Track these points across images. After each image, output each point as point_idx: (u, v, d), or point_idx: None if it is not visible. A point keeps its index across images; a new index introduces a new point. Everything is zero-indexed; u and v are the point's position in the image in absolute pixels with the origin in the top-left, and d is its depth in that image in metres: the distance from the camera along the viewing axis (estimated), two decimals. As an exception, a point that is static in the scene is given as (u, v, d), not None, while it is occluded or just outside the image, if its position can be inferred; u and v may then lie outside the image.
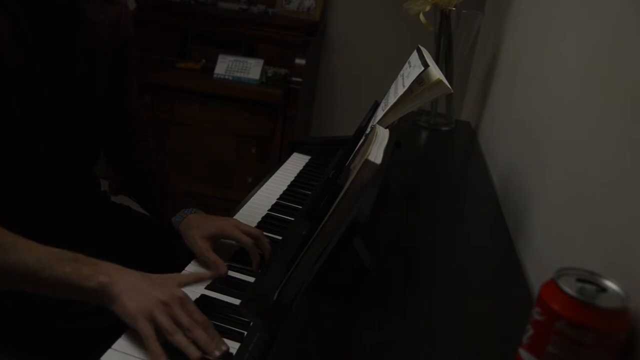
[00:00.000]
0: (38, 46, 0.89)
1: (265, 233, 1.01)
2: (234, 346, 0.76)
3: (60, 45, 0.93)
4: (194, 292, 0.87)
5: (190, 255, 0.96)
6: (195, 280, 0.85)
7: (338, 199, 0.66)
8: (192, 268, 0.93)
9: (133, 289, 0.74)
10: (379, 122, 0.88)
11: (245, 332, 0.79)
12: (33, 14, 0.87)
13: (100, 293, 0.74)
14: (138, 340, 0.72)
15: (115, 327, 0.73)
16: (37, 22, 0.88)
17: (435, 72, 0.83)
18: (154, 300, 0.73)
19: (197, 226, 0.97)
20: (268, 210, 1.14)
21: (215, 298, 0.87)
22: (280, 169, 1.35)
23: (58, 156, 0.97)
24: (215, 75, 2.28)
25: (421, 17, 1.50)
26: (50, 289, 0.77)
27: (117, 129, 1.12)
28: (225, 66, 2.28)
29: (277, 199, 1.20)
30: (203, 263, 0.94)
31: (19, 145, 0.90)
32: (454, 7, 1.50)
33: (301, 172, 1.35)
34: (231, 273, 0.93)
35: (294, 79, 2.22)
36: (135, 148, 1.15)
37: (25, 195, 0.95)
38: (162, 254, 1.09)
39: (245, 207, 1.14)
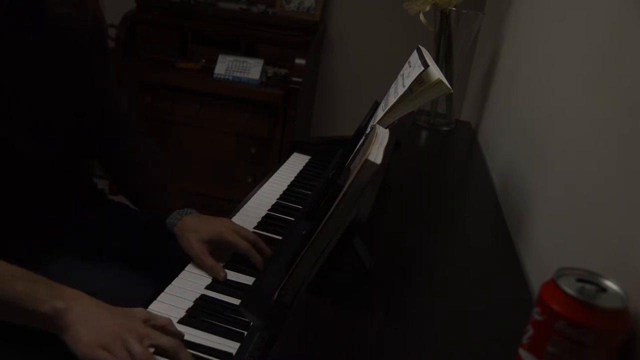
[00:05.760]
0: (12, 42, 0.88)
1: (265, 233, 1.01)
2: (234, 346, 0.76)
3: (29, 40, 0.91)
4: (194, 292, 0.88)
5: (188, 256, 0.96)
6: (162, 325, 0.75)
7: (338, 199, 0.66)
8: (190, 270, 0.93)
9: (88, 319, 0.70)
10: (379, 122, 0.88)
11: (245, 332, 0.79)
12: (5, 9, 0.86)
13: (54, 319, 0.70)
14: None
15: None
16: (11, 18, 0.87)
17: (435, 72, 0.83)
18: (108, 331, 0.69)
19: (193, 229, 0.97)
20: (268, 210, 1.14)
21: (215, 298, 0.87)
22: (280, 169, 1.35)
23: (42, 154, 0.96)
24: (215, 75, 2.28)
25: (421, 17, 1.50)
26: None
27: (96, 125, 1.10)
28: (225, 66, 2.28)
29: (277, 199, 1.20)
30: (200, 267, 0.93)
31: (1, 144, 0.89)
32: (454, 7, 1.50)
33: (301, 172, 1.35)
34: (231, 273, 0.93)
35: (294, 79, 2.22)
36: (118, 144, 1.13)
37: (13, 194, 0.94)
38: (161, 253, 1.09)
39: (245, 207, 1.14)
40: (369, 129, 0.88)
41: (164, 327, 0.75)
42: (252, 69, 2.28)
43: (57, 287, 0.74)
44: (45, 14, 0.93)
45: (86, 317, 0.71)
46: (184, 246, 0.96)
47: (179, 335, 0.77)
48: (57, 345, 0.72)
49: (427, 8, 1.51)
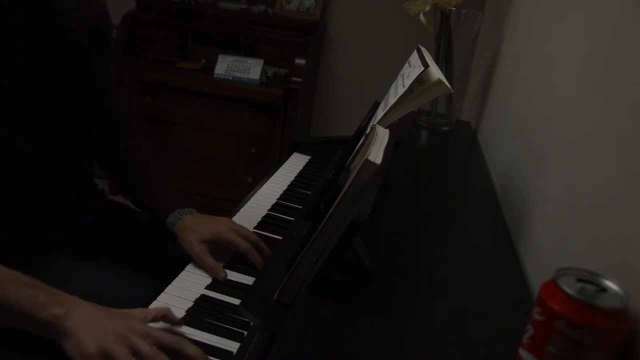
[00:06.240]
0: (12, 42, 0.88)
1: (265, 233, 1.01)
2: (234, 346, 0.76)
3: (29, 40, 0.91)
4: (194, 292, 0.88)
5: (189, 256, 0.96)
6: (163, 315, 0.76)
7: (338, 199, 0.66)
8: (190, 270, 0.93)
9: (88, 324, 0.69)
10: (379, 122, 0.88)
11: (245, 332, 0.79)
12: (5, 9, 0.86)
13: (53, 326, 0.70)
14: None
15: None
16: (11, 18, 0.87)
17: (435, 72, 0.83)
18: (110, 333, 0.68)
19: (193, 229, 0.97)
20: (268, 210, 1.14)
21: (215, 298, 0.87)
22: (280, 169, 1.35)
23: (42, 154, 0.96)
24: (215, 75, 2.28)
25: (421, 17, 1.50)
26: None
27: (96, 125, 1.10)
28: (225, 66, 2.28)
29: (277, 199, 1.20)
30: (200, 267, 0.93)
31: (1, 144, 0.89)
32: (454, 7, 1.50)
33: (301, 172, 1.35)
34: (231, 273, 0.93)
35: (294, 79, 2.22)
36: (118, 144, 1.13)
37: (13, 194, 0.94)
38: (161, 253, 1.09)
39: (245, 207, 1.14)
40: (369, 129, 0.88)
41: (165, 317, 0.76)
42: (252, 69, 2.28)
43: (56, 293, 0.74)
44: (46, 13, 0.93)
45: (86, 322, 0.71)
46: (184, 246, 0.96)
47: (179, 323, 0.77)
48: (57, 346, 0.72)
49: (427, 8, 1.51)
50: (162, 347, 0.71)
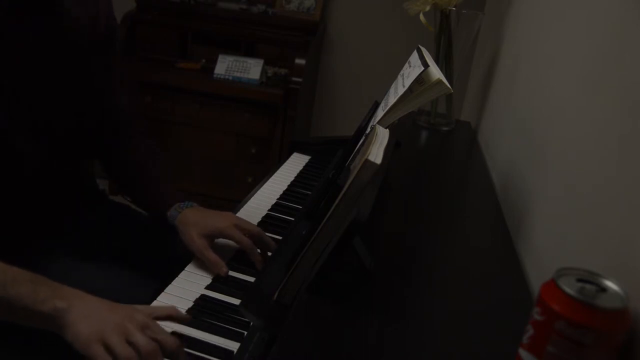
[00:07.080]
0: (12, 42, 0.88)
1: (265, 233, 1.01)
2: (233, 346, 0.76)
3: (29, 40, 0.91)
4: (194, 292, 0.88)
5: (189, 255, 0.96)
6: (168, 314, 0.76)
7: (338, 199, 0.66)
8: (190, 270, 0.93)
9: (88, 315, 0.70)
10: (379, 122, 0.88)
11: (245, 332, 0.79)
12: (5, 9, 0.87)
13: (55, 319, 0.70)
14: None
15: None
16: (11, 18, 0.87)
17: (435, 72, 0.83)
18: (109, 323, 0.68)
19: (194, 223, 0.97)
20: (268, 210, 1.14)
21: (215, 298, 0.87)
22: (280, 169, 1.35)
23: (42, 154, 0.96)
24: (215, 75, 2.28)
25: (421, 17, 1.50)
26: (0, 310, 0.73)
27: (96, 125, 1.10)
28: (225, 66, 2.28)
29: (277, 199, 1.20)
30: (202, 262, 0.93)
31: (1, 143, 0.89)
32: (454, 7, 1.50)
33: (301, 172, 1.35)
34: (232, 272, 0.93)
35: (294, 79, 2.22)
36: (118, 144, 1.13)
37: (13, 193, 0.94)
38: (161, 253, 1.09)
39: (245, 207, 1.14)
40: (369, 129, 0.88)
41: (171, 317, 0.75)
42: (252, 69, 2.28)
43: (58, 287, 0.74)
44: (46, 13, 0.93)
45: (87, 313, 0.71)
46: (185, 239, 0.96)
47: (187, 319, 0.77)
48: (57, 346, 0.72)
49: (427, 8, 1.50)
50: (159, 344, 0.70)
